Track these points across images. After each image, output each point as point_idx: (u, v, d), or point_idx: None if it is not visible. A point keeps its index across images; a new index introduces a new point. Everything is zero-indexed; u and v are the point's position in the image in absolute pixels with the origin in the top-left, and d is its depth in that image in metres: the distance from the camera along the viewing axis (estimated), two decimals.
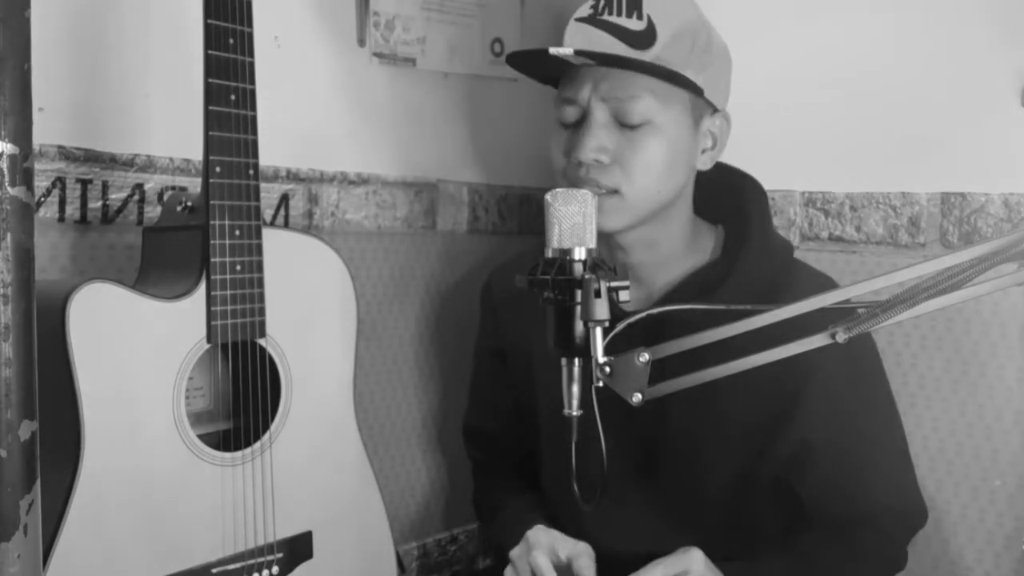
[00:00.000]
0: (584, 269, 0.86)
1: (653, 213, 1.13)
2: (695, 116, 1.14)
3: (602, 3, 1.11)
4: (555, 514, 1.22)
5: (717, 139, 1.17)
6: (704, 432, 1.13)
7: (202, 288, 1.02)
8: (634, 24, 1.09)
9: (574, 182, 1.11)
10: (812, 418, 1.11)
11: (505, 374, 1.34)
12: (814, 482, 1.12)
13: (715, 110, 1.16)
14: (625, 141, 1.10)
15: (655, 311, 0.88)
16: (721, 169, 1.23)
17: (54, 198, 1.12)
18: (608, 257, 1.17)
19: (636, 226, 1.13)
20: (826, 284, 1.17)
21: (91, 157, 1.15)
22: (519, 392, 1.32)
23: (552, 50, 1.06)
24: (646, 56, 1.08)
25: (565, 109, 1.13)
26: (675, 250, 1.18)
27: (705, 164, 1.18)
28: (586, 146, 1.09)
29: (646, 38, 1.09)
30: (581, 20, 1.12)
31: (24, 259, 0.57)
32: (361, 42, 1.44)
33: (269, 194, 1.33)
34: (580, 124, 1.12)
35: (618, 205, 1.11)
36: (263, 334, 1.07)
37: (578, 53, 1.06)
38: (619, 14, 1.10)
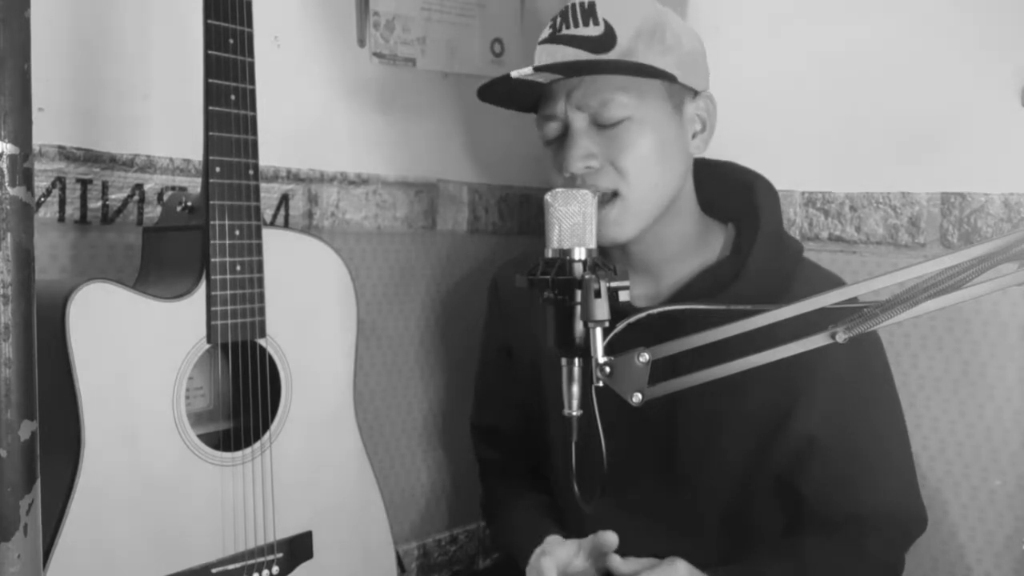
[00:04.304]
0: (584, 269, 0.86)
1: (659, 211, 1.12)
2: (675, 103, 1.13)
3: (559, 20, 1.12)
4: (563, 515, 1.22)
5: (706, 121, 1.16)
6: (712, 430, 1.13)
7: (202, 288, 1.02)
8: (592, 31, 1.09)
9: None
10: (819, 414, 1.10)
11: (513, 371, 1.34)
12: (819, 479, 1.11)
13: (696, 93, 1.15)
14: (609, 141, 1.10)
15: (655, 311, 0.88)
16: (732, 168, 1.23)
17: (54, 198, 1.12)
18: (619, 254, 1.17)
19: (646, 231, 1.12)
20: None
21: (91, 157, 1.15)
22: (526, 390, 1.31)
23: (514, 73, 1.08)
24: (609, 57, 1.08)
25: (547, 126, 1.14)
26: (684, 247, 1.17)
27: (699, 149, 1.17)
28: (573, 157, 1.09)
29: (607, 41, 1.09)
30: (544, 42, 1.13)
31: (24, 259, 0.57)
32: (361, 42, 1.44)
33: (269, 194, 1.33)
34: (564, 137, 1.12)
35: (622, 212, 1.10)
36: (263, 334, 1.07)
37: (537, 69, 1.07)
38: (576, 25, 1.10)
